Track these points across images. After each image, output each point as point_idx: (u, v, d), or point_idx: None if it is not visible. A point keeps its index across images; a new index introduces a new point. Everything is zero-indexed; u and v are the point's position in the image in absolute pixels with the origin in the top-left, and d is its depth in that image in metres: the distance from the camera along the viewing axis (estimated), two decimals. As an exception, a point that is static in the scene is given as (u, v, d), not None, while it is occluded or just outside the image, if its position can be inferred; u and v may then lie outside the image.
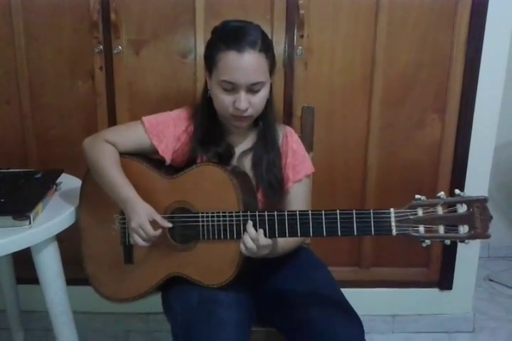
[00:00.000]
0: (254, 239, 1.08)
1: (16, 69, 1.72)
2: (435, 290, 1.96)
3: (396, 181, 1.84)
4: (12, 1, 1.66)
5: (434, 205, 0.97)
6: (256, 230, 1.08)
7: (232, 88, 1.14)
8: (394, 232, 1.00)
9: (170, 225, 1.15)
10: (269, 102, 1.24)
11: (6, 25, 1.68)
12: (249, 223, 1.09)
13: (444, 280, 1.95)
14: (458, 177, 1.82)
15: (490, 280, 2.34)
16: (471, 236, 0.96)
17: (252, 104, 1.16)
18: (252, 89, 1.15)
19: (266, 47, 1.15)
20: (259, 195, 1.26)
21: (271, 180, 1.25)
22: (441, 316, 1.98)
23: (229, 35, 1.14)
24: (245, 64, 1.12)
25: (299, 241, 1.27)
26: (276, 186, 1.25)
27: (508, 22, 1.69)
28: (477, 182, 1.82)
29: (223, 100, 1.16)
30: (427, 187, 1.84)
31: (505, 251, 2.58)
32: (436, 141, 1.81)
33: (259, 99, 1.17)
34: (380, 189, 1.84)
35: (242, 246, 1.09)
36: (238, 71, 1.12)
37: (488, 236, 0.96)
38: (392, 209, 1.01)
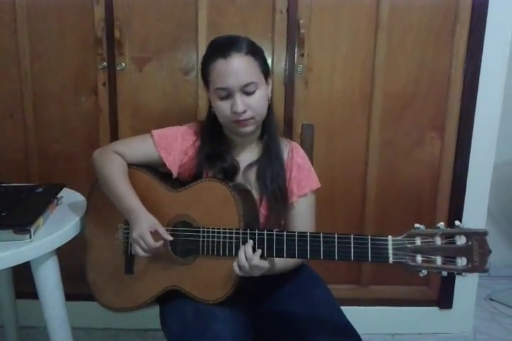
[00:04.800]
0: (248, 259, 1.07)
1: (20, 84, 1.74)
2: (435, 309, 1.95)
3: (395, 198, 1.84)
4: (18, 18, 1.69)
5: (432, 235, 0.97)
6: (254, 250, 1.08)
7: (226, 94, 1.16)
8: (391, 260, 1.00)
9: (171, 238, 1.15)
10: (271, 115, 1.26)
11: (12, 41, 1.71)
12: (250, 242, 1.09)
13: (444, 299, 1.94)
14: (457, 196, 1.83)
15: (491, 299, 2.32)
16: (469, 269, 0.95)
17: (249, 105, 1.17)
18: (246, 91, 1.16)
19: (253, 50, 1.18)
20: (263, 209, 1.26)
21: (275, 190, 1.25)
22: (440, 335, 1.96)
23: (217, 47, 1.19)
24: (232, 67, 1.15)
25: (298, 262, 1.27)
26: (279, 197, 1.26)
27: (506, 41, 1.71)
28: (477, 201, 1.83)
29: (222, 108, 1.18)
30: (426, 205, 1.85)
31: (506, 271, 2.56)
32: (436, 158, 1.82)
33: (256, 100, 1.18)
34: (379, 206, 1.84)
35: (235, 265, 1.08)
36: (227, 76, 1.15)
37: (486, 270, 0.95)
38: (390, 237, 1.00)
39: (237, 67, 1.15)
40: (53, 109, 1.77)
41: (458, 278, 1.91)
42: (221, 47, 1.17)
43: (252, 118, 1.19)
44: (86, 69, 1.72)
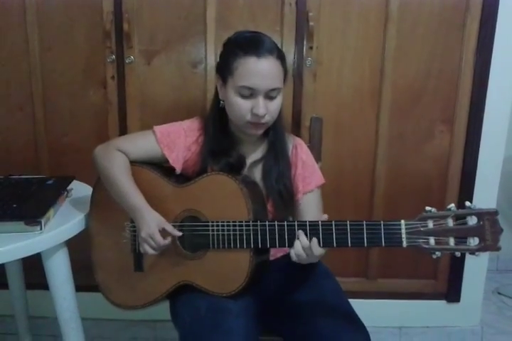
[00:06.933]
0: (306, 248, 1.07)
1: (29, 77, 1.75)
2: (442, 303, 1.95)
3: (404, 192, 1.84)
4: (27, 11, 1.69)
5: (444, 217, 0.98)
6: (309, 240, 1.07)
7: (250, 94, 1.15)
8: (404, 244, 1.01)
9: (180, 234, 1.16)
10: (279, 112, 1.25)
11: (21, 35, 1.72)
12: (301, 232, 1.08)
13: (452, 293, 1.94)
14: (466, 189, 1.82)
15: (499, 293, 2.32)
16: (482, 248, 0.96)
17: (269, 110, 1.16)
18: (270, 95, 1.16)
19: (281, 54, 1.18)
20: (269, 206, 1.26)
21: (281, 190, 1.25)
22: (448, 329, 1.96)
23: (246, 42, 1.16)
24: (265, 69, 1.13)
25: None
26: (286, 196, 1.26)
27: (517, 34, 1.70)
28: (486, 194, 1.82)
29: (241, 107, 1.16)
30: (435, 198, 1.84)
31: (514, 265, 2.56)
32: (445, 152, 1.81)
33: (276, 105, 1.18)
34: (388, 200, 1.84)
35: (292, 255, 1.09)
36: (258, 76, 1.13)
37: (498, 249, 0.97)
38: (402, 221, 1.01)
39: (269, 70, 1.14)
40: (62, 102, 1.77)
41: (466, 272, 1.91)
42: (253, 45, 1.14)
43: (267, 123, 1.20)
44: (95, 62, 1.73)
